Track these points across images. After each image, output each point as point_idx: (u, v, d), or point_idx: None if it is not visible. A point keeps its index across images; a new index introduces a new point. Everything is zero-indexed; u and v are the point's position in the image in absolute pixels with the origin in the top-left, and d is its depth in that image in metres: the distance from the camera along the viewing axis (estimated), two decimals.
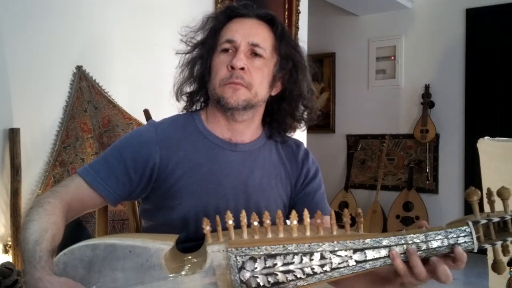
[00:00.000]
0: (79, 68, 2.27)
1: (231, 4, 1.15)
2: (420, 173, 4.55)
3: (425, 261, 0.88)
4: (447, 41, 4.43)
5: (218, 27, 1.13)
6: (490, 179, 1.93)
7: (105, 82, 2.37)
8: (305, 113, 1.20)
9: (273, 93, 1.15)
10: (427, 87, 4.44)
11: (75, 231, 2.01)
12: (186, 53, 1.18)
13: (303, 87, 1.16)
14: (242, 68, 1.07)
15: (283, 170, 1.18)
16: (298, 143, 1.24)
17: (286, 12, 3.41)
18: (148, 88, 2.57)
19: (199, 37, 1.17)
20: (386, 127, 4.73)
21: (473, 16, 4.29)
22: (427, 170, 4.49)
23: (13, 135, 1.98)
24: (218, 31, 1.13)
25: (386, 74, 4.76)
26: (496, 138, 1.97)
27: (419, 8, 4.59)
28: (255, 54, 1.09)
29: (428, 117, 4.41)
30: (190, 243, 0.99)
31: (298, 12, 3.49)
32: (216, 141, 1.12)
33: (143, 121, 2.36)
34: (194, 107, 1.21)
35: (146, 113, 2.32)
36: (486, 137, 1.99)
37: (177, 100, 1.20)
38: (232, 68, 1.07)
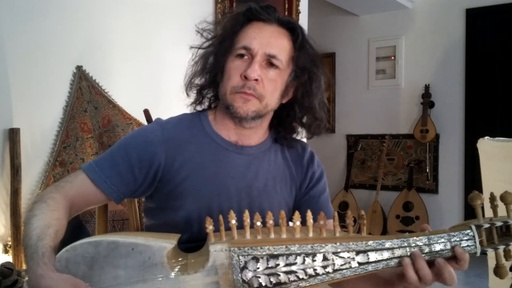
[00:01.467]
0: (79, 68, 2.26)
1: (253, 5, 1.11)
2: (420, 173, 4.55)
3: (429, 264, 0.87)
4: (447, 41, 4.43)
5: (237, 29, 1.10)
6: (490, 179, 1.93)
7: (105, 82, 2.36)
8: (314, 124, 1.18)
9: (284, 101, 1.14)
10: (427, 87, 4.44)
11: (75, 231, 2.01)
12: (200, 48, 1.16)
13: (315, 100, 1.14)
14: (256, 79, 1.05)
15: (288, 173, 1.17)
16: (304, 146, 1.22)
17: (286, 12, 3.41)
18: (148, 88, 2.56)
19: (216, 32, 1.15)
20: (386, 127, 4.73)
21: (473, 16, 4.29)
22: (427, 170, 4.49)
23: (13, 135, 1.97)
24: (236, 33, 1.10)
25: (386, 74, 4.76)
26: (496, 138, 1.97)
27: (419, 8, 4.59)
28: (270, 64, 1.07)
29: (428, 117, 4.41)
30: (192, 244, 0.98)
31: (298, 12, 3.49)
32: (222, 143, 1.11)
33: (143, 121, 2.36)
34: (202, 104, 1.19)
35: (146, 113, 2.32)
36: (486, 137, 1.99)
37: (187, 94, 1.18)
38: (246, 77, 1.05)
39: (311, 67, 1.12)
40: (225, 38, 1.11)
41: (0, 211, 1.99)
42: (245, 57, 1.07)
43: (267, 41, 1.07)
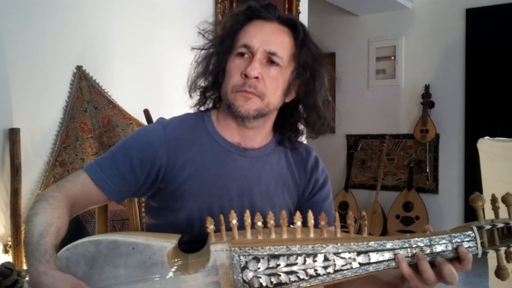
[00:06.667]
0: (79, 68, 2.26)
1: (253, 4, 1.10)
2: (420, 173, 4.55)
3: (430, 265, 0.87)
4: (447, 41, 4.43)
5: (237, 28, 1.09)
6: (490, 179, 1.93)
7: (105, 82, 2.36)
8: (318, 123, 1.16)
9: (287, 100, 1.12)
10: (427, 87, 4.44)
11: (75, 231, 2.00)
12: (202, 49, 1.15)
13: (318, 98, 1.12)
14: (256, 77, 1.04)
15: (291, 178, 1.16)
16: (308, 150, 1.21)
17: (286, 12, 3.41)
18: (148, 88, 2.56)
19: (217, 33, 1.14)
20: (386, 127, 4.73)
21: (473, 16, 4.29)
22: (427, 170, 4.49)
23: (13, 135, 1.97)
24: (237, 32, 1.09)
25: (386, 74, 4.76)
26: (496, 138, 1.97)
27: (419, 8, 4.59)
28: (271, 62, 1.06)
29: (428, 117, 4.41)
30: (193, 245, 0.98)
31: (298, 12, 3.49)
32: (225, 145, 1.10)
33: (143, 121, 2.36)
34: (206, 105, 1.18)
35: (146, 113, 2.31)
36: (486, 137, 1.99)
37: (190, 95, 1.17)
38: (246, 76, 1.04)
39: (314, 65, 1.11)
40: (225, 38, 1.10)
41: (0, 211, 1.98)
42: (246, 55, 1.06)
43: (267, 38, 1.06)
